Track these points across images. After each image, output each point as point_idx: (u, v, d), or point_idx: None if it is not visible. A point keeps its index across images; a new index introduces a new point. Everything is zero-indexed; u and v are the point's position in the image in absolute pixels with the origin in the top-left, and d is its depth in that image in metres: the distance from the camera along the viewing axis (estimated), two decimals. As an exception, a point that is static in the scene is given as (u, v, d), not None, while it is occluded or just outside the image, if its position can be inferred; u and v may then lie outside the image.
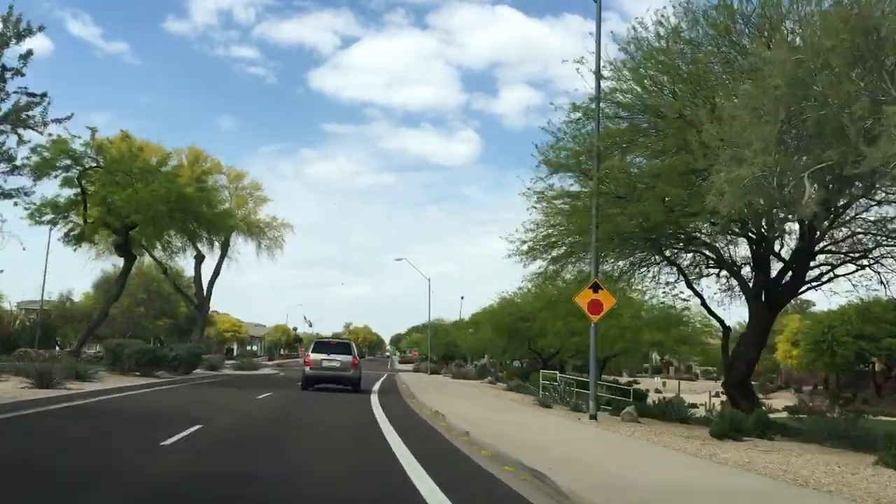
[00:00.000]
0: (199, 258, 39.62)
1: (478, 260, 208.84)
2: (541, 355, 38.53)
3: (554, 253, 20.75)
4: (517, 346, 35.97)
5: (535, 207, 19.32)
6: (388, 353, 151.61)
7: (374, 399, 24.10)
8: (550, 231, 20.53)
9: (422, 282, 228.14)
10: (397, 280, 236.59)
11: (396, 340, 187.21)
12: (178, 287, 41.62)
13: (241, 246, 42.66)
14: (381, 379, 41.05)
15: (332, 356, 24.92)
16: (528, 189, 19.21)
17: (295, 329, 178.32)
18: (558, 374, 28.30)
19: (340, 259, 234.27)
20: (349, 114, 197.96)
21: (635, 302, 29.88)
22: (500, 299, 36.25)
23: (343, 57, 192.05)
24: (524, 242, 20.64)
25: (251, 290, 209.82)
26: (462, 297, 78.66)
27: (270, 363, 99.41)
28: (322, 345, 26.42)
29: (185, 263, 42.12)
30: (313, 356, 25.20)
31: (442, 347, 67.52)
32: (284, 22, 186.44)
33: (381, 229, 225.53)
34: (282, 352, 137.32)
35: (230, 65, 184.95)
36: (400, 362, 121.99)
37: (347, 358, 25.37)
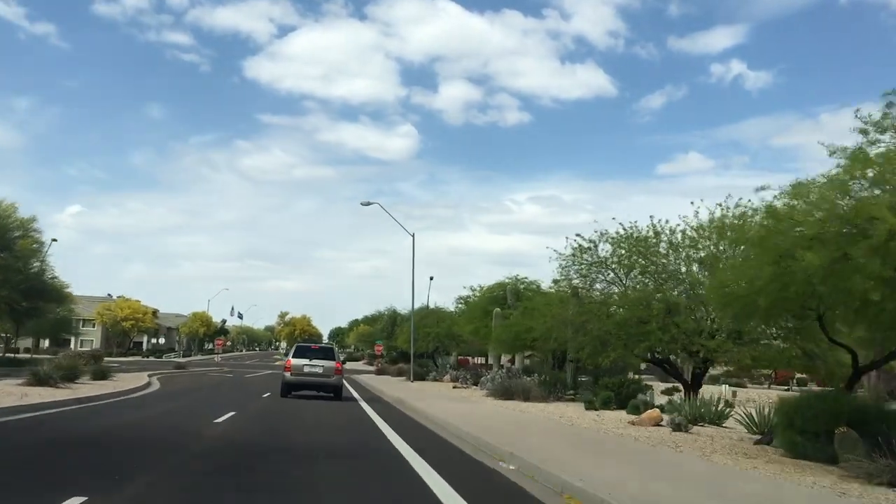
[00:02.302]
0: None
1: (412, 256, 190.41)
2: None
3: None
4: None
5: None
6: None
7: None
8: None
9: (360, 277, 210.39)
10: (333, 274, 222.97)
11: (336, 334, 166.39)
12: None
13: None
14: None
15: (315, 361, 22.23)
16: None
17: (224, 322, 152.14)
18: None
19: (274, 252, 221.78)
20: (286, 105, 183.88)
21: None
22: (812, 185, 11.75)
23: (280, 46, 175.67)
24: None
25: (178, 281, 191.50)
26: (431, 278, 58.67)
27: (183, 360, 73.31)
28: (303, 349, 23.64)
29: None
30: (294, 361, 22.32)
31: (431, 341, 43.46)
32: (219, 8, 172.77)
33: (317, 223, 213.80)
34: (205, 346, 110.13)
35: (161, 51, 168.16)
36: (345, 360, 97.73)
37: (331, 363, 22.36)
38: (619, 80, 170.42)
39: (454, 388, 31.08)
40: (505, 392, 23.14)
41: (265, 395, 23.21)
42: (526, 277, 36.54)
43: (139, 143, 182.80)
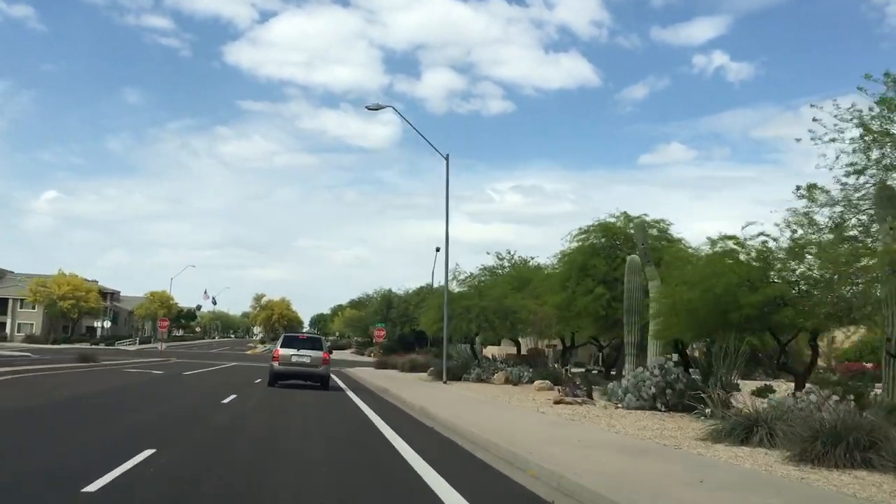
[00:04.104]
0: None
1: (393, 245, 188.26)
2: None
3: None
4: None
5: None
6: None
7: None
8: None
9: (342, 266, 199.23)
10: (315, 263, 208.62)
11: (317, 321, 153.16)
12: None
13: None
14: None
15: (303, 351, 22.27)
16: None
17: (199, 307, 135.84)
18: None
19: (255, 240, 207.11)
20: (267, 91, 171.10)
21: None
22: None
23: (261, 32, 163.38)
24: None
25: (159, 269, 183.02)
26: (437, 250, 46.13)
27: (133, 347, 57.30)
28: (291, 339, 23.64)
29: None
30: (282, 351, 22.41)
31: (472, 320, 27.75)
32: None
33: (298, 211, 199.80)
34: (172, 332, 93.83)
35: (141, 35, 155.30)
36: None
37: (318, 354, 22.41)
38: (602, 70, 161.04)
39: (557, 402, 15.96)
40: (812, 442, 8.03)
41: (119, 471, 6.69)
42: (646, 214, 21.53)
43: (117, 128, 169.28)
